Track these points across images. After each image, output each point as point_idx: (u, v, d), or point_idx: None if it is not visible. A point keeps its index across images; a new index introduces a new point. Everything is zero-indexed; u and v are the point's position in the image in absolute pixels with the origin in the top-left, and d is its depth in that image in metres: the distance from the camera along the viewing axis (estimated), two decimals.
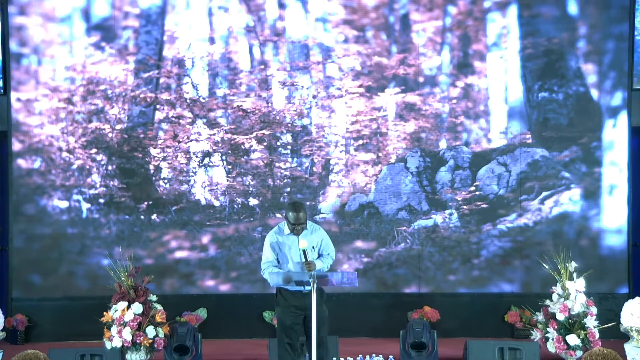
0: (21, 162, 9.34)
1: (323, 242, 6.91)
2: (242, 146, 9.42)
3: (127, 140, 9.39)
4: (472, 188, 9.41)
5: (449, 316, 9.20)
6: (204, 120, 9.42)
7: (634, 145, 9.47)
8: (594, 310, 7.63)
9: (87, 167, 9.36)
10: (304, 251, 6.55)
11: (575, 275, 7.72)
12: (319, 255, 6.89)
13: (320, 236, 6.91)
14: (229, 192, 9.42)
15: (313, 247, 6.81)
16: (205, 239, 9.37)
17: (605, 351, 3.96)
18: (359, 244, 9.36)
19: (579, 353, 7.52)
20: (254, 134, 9.41)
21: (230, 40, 9.45)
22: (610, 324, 7.73)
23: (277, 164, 9.44)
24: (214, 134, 9.41)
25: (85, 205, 9.36)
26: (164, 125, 9.44)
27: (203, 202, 9.41)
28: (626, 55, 9.28)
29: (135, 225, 9.35)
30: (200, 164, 9.43)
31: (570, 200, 9.38)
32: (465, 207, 9.39)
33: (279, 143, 9.46)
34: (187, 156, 9.42)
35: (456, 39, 9.48)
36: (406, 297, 9.40)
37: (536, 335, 7.76)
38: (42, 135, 9.34)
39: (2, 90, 9.35)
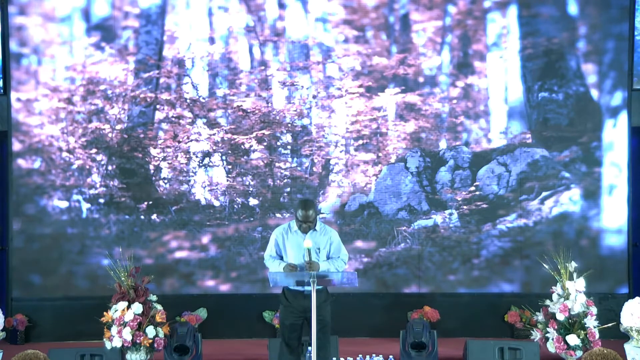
0: (21, 162, 9.34)
1: (333, 245, 6.78)
2: (242, 146, 9.43)
3: (127, 140, 9.39)
4: (472, 188, 9.41)
5: (449, 316, 9.20)
6: (204, 120, 9.42)
7: (634, 145, 9.47)
8: (594, 310, 7.63)
9: (87, 167, 9.37)
10: (308, 250, 6.46)
11: (575, 275, 7.73)
12: (329, 259, 6.76)
13: (329, 239, 6.78)
14: (229, 192, 9.43)
15: (319, 249, 6.68)
16: (205, 239, 9.37)
17: (605, 351, 3.97)
18: (359, 244, 9.35)
19: (579, 353, 7.52)
20: (254, 134, 9.41)
21: (230, 40, 9.45)
22: (610, 324, 7.73)
23: (277, 164, 9.44)
24: (214, 134, 9.41)
25: (85, 205, 9.36)
26: (164, 125, 9.44)
27: (203, 202, 9.42)
28: (626, 55, 9.28)
29: (135, 225, 9.35)
30: (200, 164, 9.43)
31: (570, 200, 9.39)
32: (465, 207, 9.39)
33: (279, 143, 9.46)
34: (187, 156, 9.43)
35: (456, 39, 9.48)
36: (406, 297, 9.40)
37: (536, 335, 7.77)
38: (42, 135, 9.34)
39: (2, 90, 9.36)
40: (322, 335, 6.60)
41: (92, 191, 9.36)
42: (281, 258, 6.82)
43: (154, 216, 9.37)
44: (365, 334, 9.18)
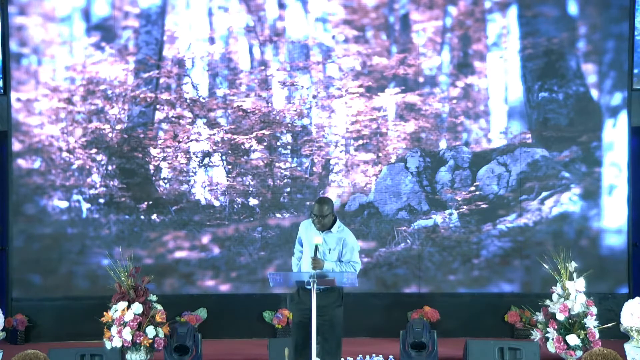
0: (21, 162, 9.34)
1: (346, 248, 6.72)
2: (242, 146, 9.43)
3: (127, 140, 9.39)
4: (472, 188, 9.41)
5: (449, 316, 9.20)
6: (204, 120, 9.42)
7: (634, 145, 9.47)
8: (594, 310, 7.63)
9: (87, 167, 9.36)
10: (315, 247, 6.46)
11: (575, 275, 7.72)
12: (340, 261, 6.71)
13: (342, 240, 6.72)
14: (229, 192, 9.42)
15: (330, 249, 6.66)
16: (205, 239, 9.37)
17: (605, 351, 3.96)
18: (359, 244, 9.30)
19: (579, 353, 7.52)
20: (254, 134, 9.41)
21: (230, 40, 9.45)
22: (610, 324, 7.73)
23: (277, 164, 9.44)
24: (214, 134, 9.41)
25: (85, 205, 9.36)
26: (164, 125, 9.44)
27: (203, 202, 9.41)
28: (626, 55, 9.28)
29: (135, 225, 9.35)
30: (200, 164, 9.43)
31: (570, 200, 9.38)
32: (465, 207, 9.39)
33: (279, 143, 9.46)
34: (187, 156, 9.43)
35: (456, 39, 9.48)
36: (406, 297, 9.40)
37: (536, 335, 7.77)
38: (42, 135, 9.34)
39: (2, 90, 9.36)
40: (329, 337, 6.54)
41: (92, 191, 9.36)
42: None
43: (154, 216, 9.37)
44: (365, 334, 9.17)
